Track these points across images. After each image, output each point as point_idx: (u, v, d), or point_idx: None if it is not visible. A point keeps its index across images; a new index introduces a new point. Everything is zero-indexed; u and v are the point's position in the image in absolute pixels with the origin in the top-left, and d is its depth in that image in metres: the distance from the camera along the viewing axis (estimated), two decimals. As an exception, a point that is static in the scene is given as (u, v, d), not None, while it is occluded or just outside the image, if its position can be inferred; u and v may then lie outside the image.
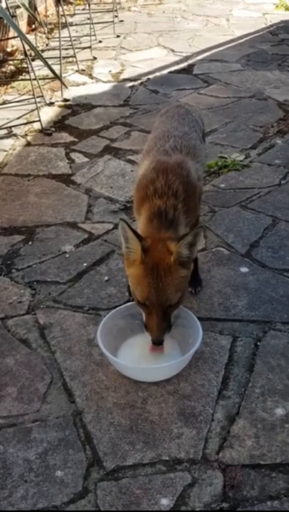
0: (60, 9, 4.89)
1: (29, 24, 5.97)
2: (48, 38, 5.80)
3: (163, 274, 1.71)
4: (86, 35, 5.74)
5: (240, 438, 1.68)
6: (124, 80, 4.84)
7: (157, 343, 1.75)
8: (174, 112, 2.39)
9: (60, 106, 4.26)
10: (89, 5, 5.85)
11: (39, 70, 4.61)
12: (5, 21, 4.74)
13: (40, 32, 5.88)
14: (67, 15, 6.17)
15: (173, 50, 5.59)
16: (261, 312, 2.18)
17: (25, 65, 4.78)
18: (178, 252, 1.73)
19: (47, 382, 1.89)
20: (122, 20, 6.64)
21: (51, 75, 4.23)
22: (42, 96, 4.19)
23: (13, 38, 5.02)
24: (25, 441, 1.69)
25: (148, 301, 1.73)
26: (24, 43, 3.76)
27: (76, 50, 5.12)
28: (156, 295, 1.71)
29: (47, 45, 5.66)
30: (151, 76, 4.91)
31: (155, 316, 1.73)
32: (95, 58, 5.30)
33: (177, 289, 1.75)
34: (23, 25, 5.68)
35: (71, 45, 5.01)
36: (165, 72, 5.02)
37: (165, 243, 1.74)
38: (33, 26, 5.94)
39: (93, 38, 5.67)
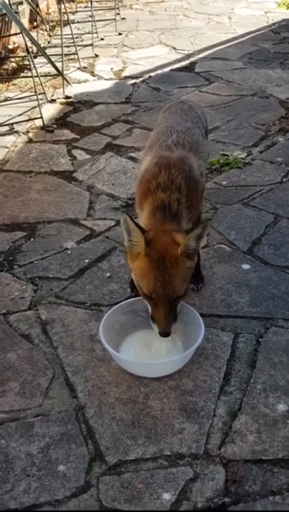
0: (62, 7, 4.88)
1: (31, 21, 5.96)
2: (50, 36, 5.79)
3: (170, 266, 1.71)
4: (88, 33, 5.73)
5: (242, 433, 1.68)
6: (126, 77, 4.84)
7: (165, 335, 1.75)
8: (176, 107, 2.39)
9: (61, 103, 4.25)
10: (91, 2, 5.84)
11: (41, 67, 4.61)
12: (7, 18, 4.74)
13: (42, 29, 5.87)
14: (69, 12, 6.16)
15: (175, 48, 5.59)
16: (263, 309, 2.18)
17: (27, 62, 4.78)
18: (186, 244, 1.73)
19: (49, 377, 1.89)
20: (123, 18, 6.64)
21: (53, 72, 4.24)
22: (44, 93, 4.18)
23: (15, 34, 5.02)
24: (27, 435, 1.69)
25: (154, 293, 1.73)
26: (26, 39, 3.76)
27: (78, 48, 5.12)
28: (162, 288, 1.71)
29: (49, 42, 5.65)
30: (153, 74, 4.90)
31: (162, 308, 1.73)
32: (96, 56, 5.29)
33: (183, 281, 1.75)
34: (24, 23, 5.67)
35: (73, 42, 5.00)
36: (167, 69, 5.01)
37: (170, 234, 1.74)
38: (35, 24, 5.93)
39: (95, 35, 5.67)
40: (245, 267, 2.43)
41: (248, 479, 1.55)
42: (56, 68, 3.65)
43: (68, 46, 5.16)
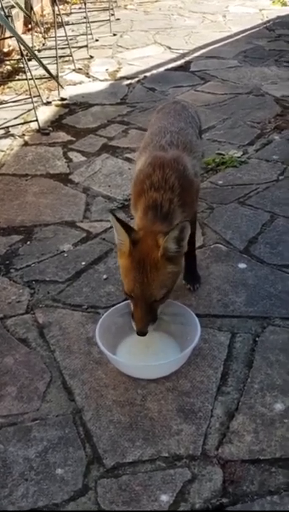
0: (56, 8, 4.88)
1: (25, 24, 5.96)
2: (45, 38, 5.79)
3: (149, 268, 1.72)
4: (82, 34, 5.73)
5: (239, 433, 1.68)
6: (121, 78, 4.83)
7: (141, 335, 1.78)
8: (170, 108, 2.39)
9: (57, 105, 4.25)
10: (85, 4, 5.84)
11: (36, 69, 4.60)
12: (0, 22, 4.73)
13: (36, 32, 5.87)
14: (64, 14, 6.16)
15: (170, 48, 5.59)
16: (260, 308, 2.18)
17: (21, 65, 4.77)
18: (165, 247, 1.72)
19: (46, 381, 1.89)
20: (118, 19, 6.63)
21: (48, 74, 4.23)
22: (39, 95, 4.18)
23: (10, 37, 5.01)
24: (25, 439, 1.70)
25: (133, 294, 1.75)
26: (19, 43, 3.76)
27: (73, 49, 5.12)
28: (140, 289, 1.72)
29: (43, 44, 5.65)
30: (148, 74, 4.90)
31: (140, 309, 1.75)
32: (91, 57, 5.29)
33: (163, 285, 1.75)
34: (19, 25, 5.68)
35: (67, 44, 5.00)
36: (162, 69, 5.01)
37: (155, 237, 1.74)
38: (30, 26, 5.93)
39: (90, 36, 5.66)
40: (242, 266, 2.43)
41: (246, 479, 1.55)
42: (49, 72, 3.65)
43: (63, 48, 5.15)
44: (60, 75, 4.63)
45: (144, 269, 1.71)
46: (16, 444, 1.68)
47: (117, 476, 1.58)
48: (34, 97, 3.94)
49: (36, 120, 3.84)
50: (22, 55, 3.96)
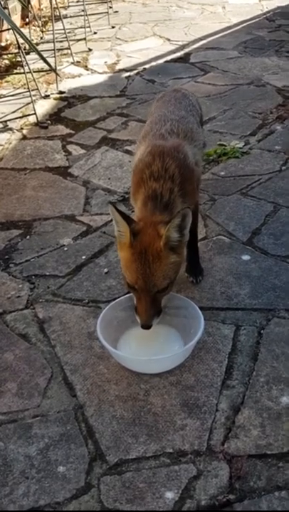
0: (54, 2, 4.82)
1: (23, 18, 5.90)
2: (43, 31, 5.73)
3: (151, 259, 1.68)
4: (81, 27, 5.67)
5: (245, 428, 1.64)
6: (120, 70, 4.77)
7: (146, 328, 1.74)
8: (170, 96, 2.34)
9: (55, 98, 4.20)
10: (83, -4, 5.78)
11: (34, 63, 4.55)
12: (-2, 14, 4.67)
13: (34, 25, 5.81)
14: (61, 7, 6.10)
15: (169, 39, 5.52)
16: (264, 300, 2.14)
17: (19, 59, 4.71)
18: (167, 236, 1.69)
19: (47, 377, 1.85)
20: (116, 11, 6.56)
21: (46, 67, 4.18)
22: (37, 89, 4.14)
23: (7, 30, 4.95)
24: (26, 437, 1.66)
25: (137, 285, 1.71)
26: (17, 35, 3.70)
27: (71, 42, 5.06)
28: (143, 281, 1.69)
29: (41, 38, 5.59)
30: (147, 66, 4.84)
31: (144, 301, 1.71)
32: (90, 50, 5.23)
33: (165, 276, 1.71)
34: (16, 19, 5.61)
35: (66, 37, 4.95)
36: (161, 61, 4.95)
37: (156, 227, 1.70)
38: (27, 20, 5.87)
39: (88, 29, 5.60)
40: (245, 257, 2.38)
41: (253, 475, 1.51)
42: (47, 63, 3.59)
43: (61, 41, 5.10)
44: (58, 68, 4.57)
45: (147, 259, 1.68)
46: (16, 441, 1.64)
47: (120, 473, 1.54)
48: (32, 90, 3.90)
49: (34, 114, 3.79)
50: (20, 48, 3.90)
